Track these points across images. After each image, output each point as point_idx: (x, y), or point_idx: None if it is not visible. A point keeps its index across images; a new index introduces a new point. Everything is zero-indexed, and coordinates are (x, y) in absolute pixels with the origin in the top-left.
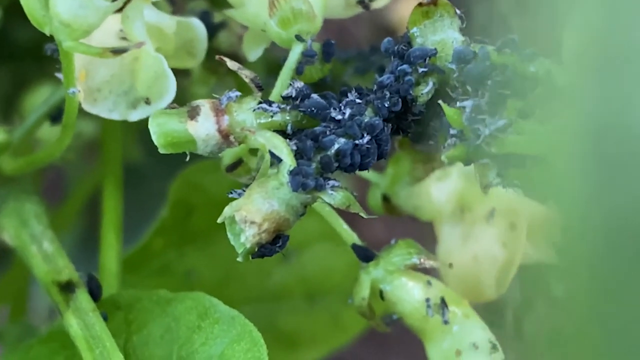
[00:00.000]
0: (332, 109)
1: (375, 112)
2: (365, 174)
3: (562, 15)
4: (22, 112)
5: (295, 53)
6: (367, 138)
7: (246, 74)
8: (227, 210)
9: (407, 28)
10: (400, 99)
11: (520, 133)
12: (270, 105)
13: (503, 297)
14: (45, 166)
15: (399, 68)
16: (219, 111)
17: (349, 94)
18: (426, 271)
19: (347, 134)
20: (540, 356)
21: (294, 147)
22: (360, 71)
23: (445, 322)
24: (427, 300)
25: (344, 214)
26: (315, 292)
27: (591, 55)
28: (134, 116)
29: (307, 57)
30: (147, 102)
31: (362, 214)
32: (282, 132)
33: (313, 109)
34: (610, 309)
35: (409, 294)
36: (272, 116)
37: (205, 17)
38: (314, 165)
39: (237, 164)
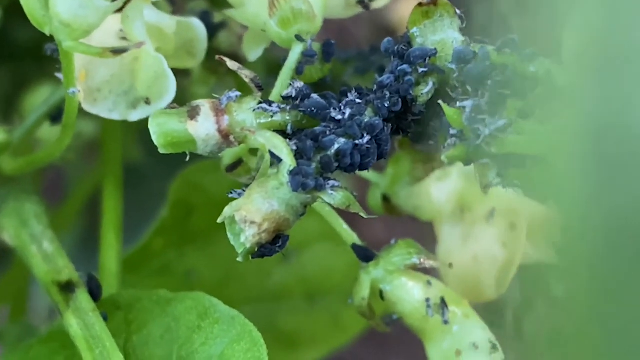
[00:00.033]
0: (332, 109)
1: (375, 112)
2: (365, 174)
3: (562, 15)
4: (22, 112)
5: (295, 53)
6: (367, 138)
7: (246, 74)
8: (227, 210)
9: (407, 28)
10: (400, 99)
11: (520, 133)
12: (270, 105)
13: (503, 297)
14: (45, 166)
15: (399, 68)
16: (219, 111)
17: (349, 94)
18: (426, 271)
19: (347, 134)
20: (540, 356)
21: (294, 147)
22: (360, 71)
23: (445, 322)
24: (427, 300)
25: (344, 214)
26: (315, 292)
27: (591, 55)
28: (134, 116)
29: (307, 57)
30: (147, 102)
31: (362, 214)
32: (282, 132)
33: (313, 109)
34: (610, 308)
35: (409, 294)
36: (272, 116)
37: (205, 17)
38: (314, 165)
39: (237, 164)
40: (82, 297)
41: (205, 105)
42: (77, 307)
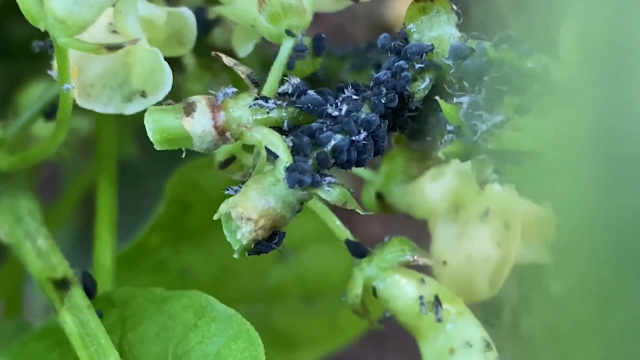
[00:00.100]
0: (328, 105)
1: (371, 108)
2: (359, 171)
3: (559, 10)
4: (17, 109)
5: (286, 48)
6: (363, 134)
7: (242, 70)
8: (224, 207)
9: (403, 24)
10: (396, 95)
11: (517, 129)
12: (266, 102)
13: (500, 295)
14: (40, 163)
15: (395, 64)
16: (215, 107)
17: (345, 90)
18: (420, 270)
19: (344, 130)
20: (537, 355)
21: (290, 144)
22: (356, 67)
23: (439, 320)
24: (421, 297)
25: (341, 212)
26: (313, 292)
27: (597, 53)
28: (130, 109)
29: (297, 51)
30: (143, 95)
31: (359, 211)
32: (278, 129)
33: (309, 105)
34: (612, 308)
35: (402, 291)
36: (268, 112)
37: (200, 14)
38: (310, 161)
39: (230, 160)
40: (77, 294)
41: (201, 102)
42: (72, 304)
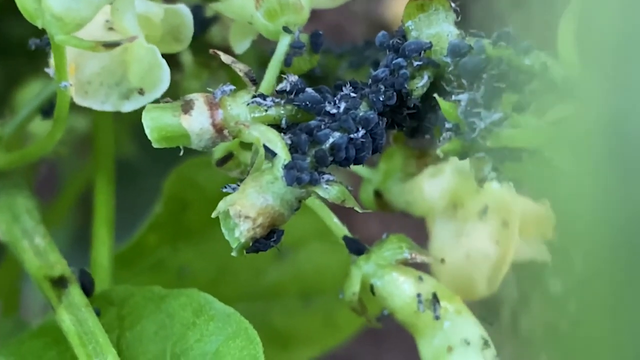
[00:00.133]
0: (326, 103)
1: (370, 106)
2: (357, 169)
3: (558, 7)
4: (14, 106)
5: (283, 45)
6: (362, 132)
7: (240, 68)
8: (222, 205)
9: (401, 22)
10: (395, 93)
11: (516, 126)
12: (264, 99)
13: (500, 293)
14: (38, 161)
15: (393, 62)
16: (213, 105)
17: (343, 88)
18: (419, 268)
19: (342, 128)
20: (536, 352)
21: (289, 141)
22: (354, 65)
23: (437, 318)
24: (419, 295)
25: (339, 210)
26: (310, 291)
27: (604, 51)
28: (127, 107)
29: (295, 48)
30: (141, 92)
31: (357, 209)
32: (276, 126)
33: (308, 102)
34: (615, 306)
35: (400, 289)
36: (266, 110)
37: (197, 11)
38: (308, 159)
39: (227, 157)
40: (75, 292)
41: (199, 99)
42: (69, 302)
